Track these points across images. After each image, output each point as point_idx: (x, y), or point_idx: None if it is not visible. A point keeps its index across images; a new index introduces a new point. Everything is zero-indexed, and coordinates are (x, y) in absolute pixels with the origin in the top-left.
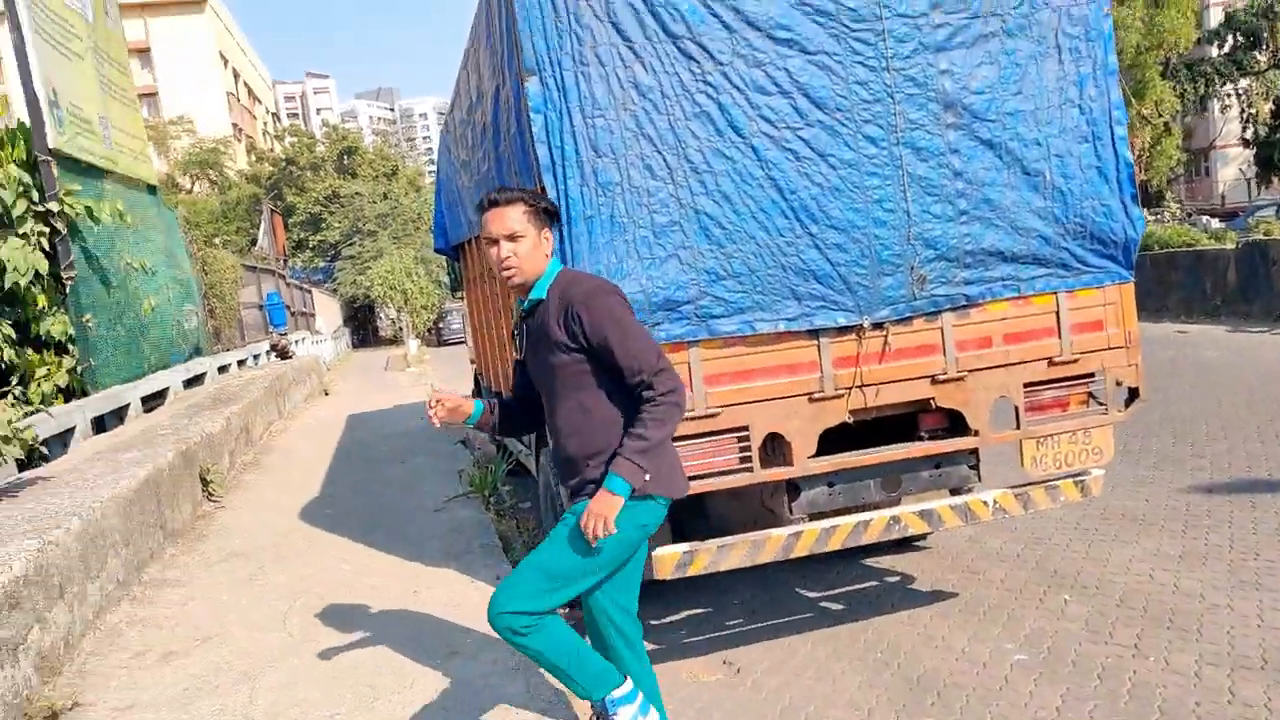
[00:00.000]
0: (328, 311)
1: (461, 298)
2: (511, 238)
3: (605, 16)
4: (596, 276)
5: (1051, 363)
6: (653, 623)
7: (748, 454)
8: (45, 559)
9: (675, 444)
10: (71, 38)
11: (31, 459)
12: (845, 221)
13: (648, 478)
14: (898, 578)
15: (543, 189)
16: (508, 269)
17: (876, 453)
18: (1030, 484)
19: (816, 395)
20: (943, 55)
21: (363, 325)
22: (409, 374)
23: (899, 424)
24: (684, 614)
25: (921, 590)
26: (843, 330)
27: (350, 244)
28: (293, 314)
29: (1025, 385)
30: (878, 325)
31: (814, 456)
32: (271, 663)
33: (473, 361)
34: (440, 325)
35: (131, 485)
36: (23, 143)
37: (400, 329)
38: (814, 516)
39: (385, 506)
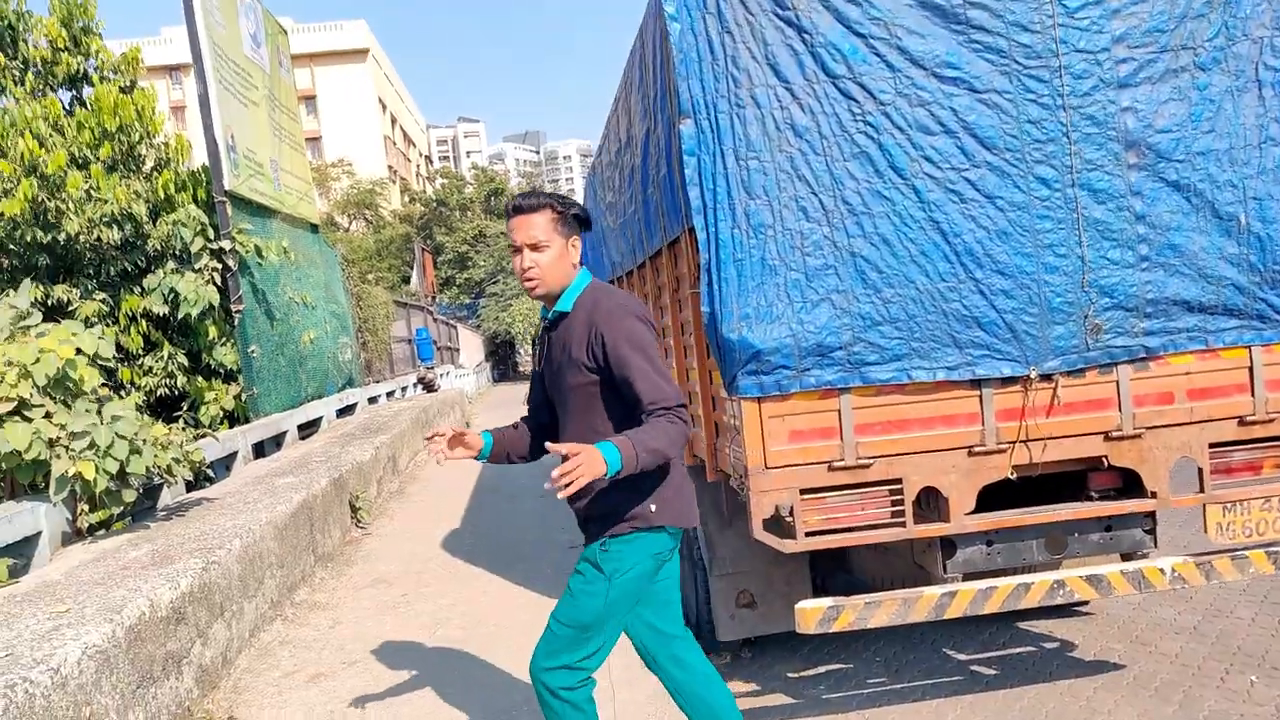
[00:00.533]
0: (471, 346)
1: None
2: (535, 246)
3: (763, 59)
4: (626, 294)
5: (1242, 422)
6: (789, 675)
7: (900, 508)
8: (209, 578)
9: (823, 494)
10: (250, 87)
11: (198, 480)
12: (1013, 266)
13: (629, 470)
14: (1056, 644)
15: (692, 231)
16: (530, 279)
17: (1041, 512)
18: (1214, 552)
19: (977, 449)
20: (1125, 92)
21: (503, 360)
22: None
23: (1066, 482)
24: (822, 669)
25: (1083, 659)
26: (1007, 381)
27: (494, 282)
28: (439, 348)
29: (1211, 445)
30: (1046, 376)
31: (972, 513)
32: (415, 690)
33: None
34: None
35: (287, 510)
36: (202, 184)
37: None
38: (969, 576)
39: (524, 541)
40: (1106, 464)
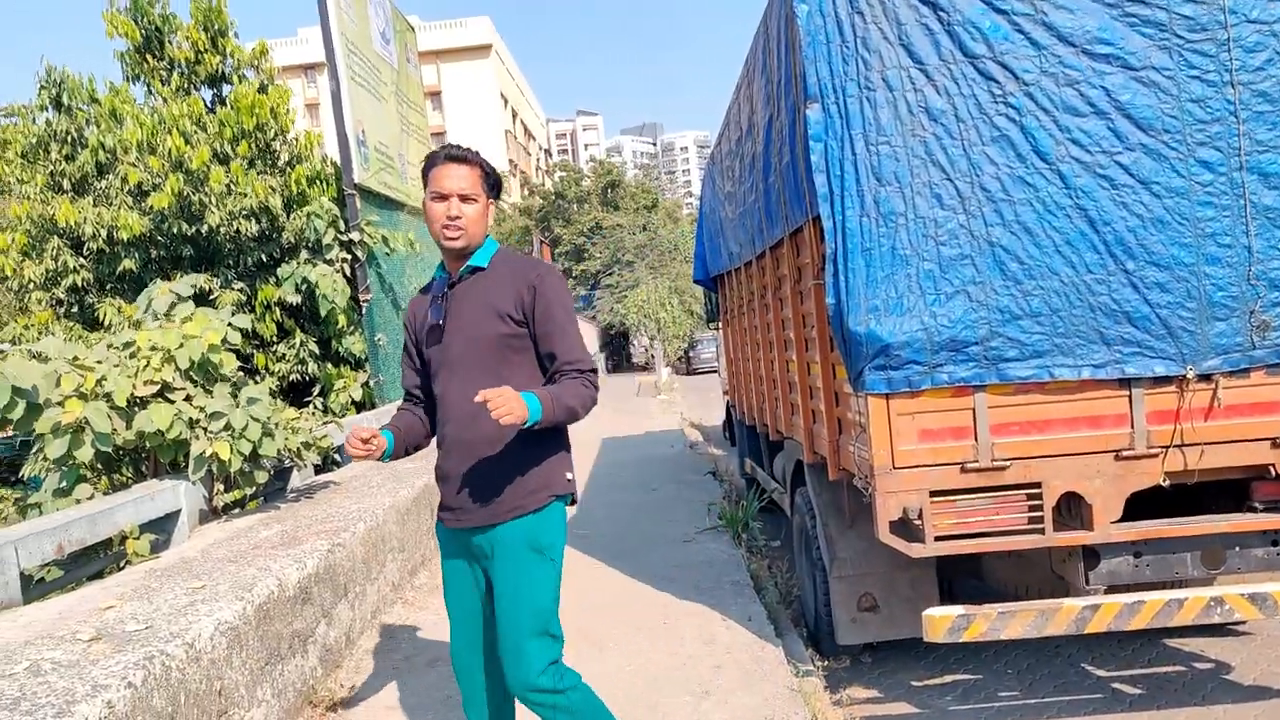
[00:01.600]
0: (586, 337)
1: (716, 328)
2: (465, 198)
3: (896, 40)
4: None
5: None
6: (913, 684)
7: (1039, 514)
8: (334, 559)
9: (955, 496)
10: (380, 83)
11: (326, 463)
12: (1169, 257)
13: (547, 422)
14: (1210, 665)
15: (817, 220)
16: (457, 228)
17: (1198, 522)
18: None
19: (1125, 453)
20: None
21: (617, 351)
22: (659, 401)
23: (1226, 491)
24: (949, 679)
25: (1241, 683)
26: (1160, 381)
27: (610, 273)
28: None
29: None
30: (1205, 377)
31: (1118, 522)
32: None
33: (726, 393)
34: (691, 354)
35: (410, 495)
36: (333, 178)
37: (652, 356)
38: (1113, 589)
39: (635, 533)
40: (1275, 473)
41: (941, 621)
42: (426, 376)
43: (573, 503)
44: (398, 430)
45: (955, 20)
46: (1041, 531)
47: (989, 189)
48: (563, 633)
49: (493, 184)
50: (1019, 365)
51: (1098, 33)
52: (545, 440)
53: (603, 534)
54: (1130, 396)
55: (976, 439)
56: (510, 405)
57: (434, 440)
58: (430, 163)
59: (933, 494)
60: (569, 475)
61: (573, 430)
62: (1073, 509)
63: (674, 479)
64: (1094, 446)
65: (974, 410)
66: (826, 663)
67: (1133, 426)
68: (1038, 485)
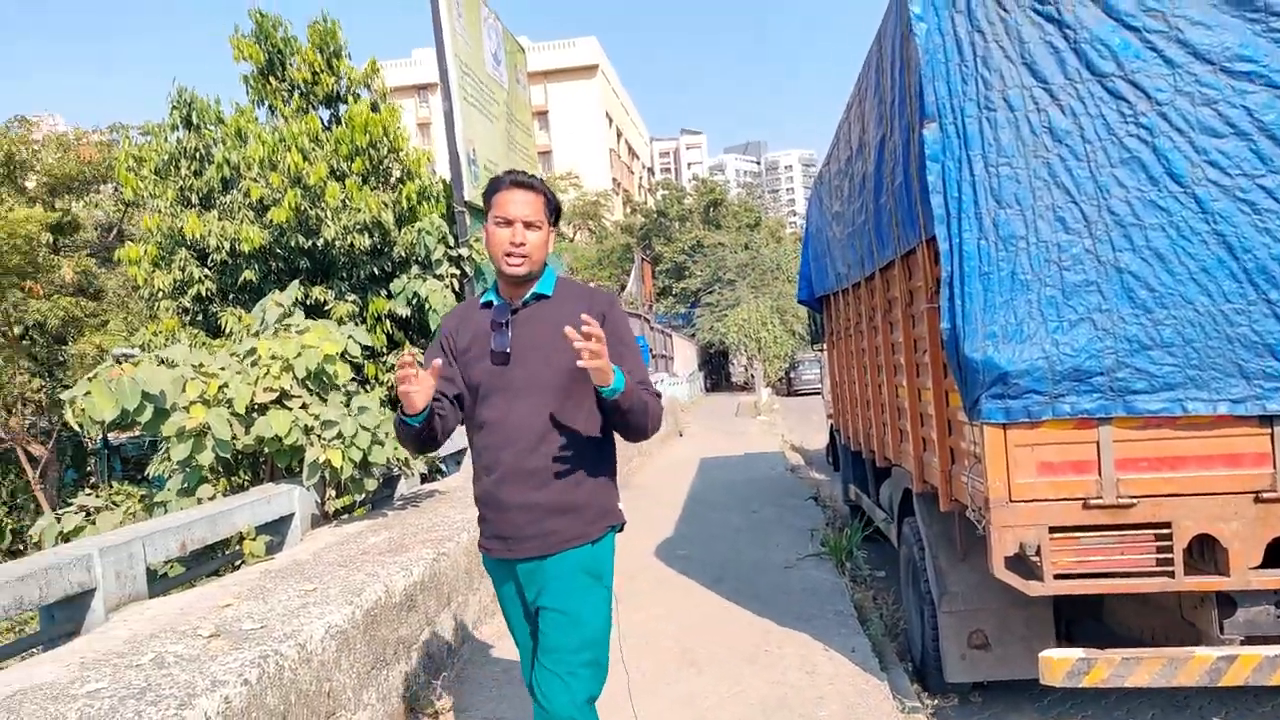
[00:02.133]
0: (684, 355)
1: (820, 349)
2: (530, 225)
3: (1018, 58)
4: None
5: None
6: None
7: (1168, 555)
8: (439, 568)
9: (1076, 534)
10: (491, 102)
11: (431, 473)
12: None
13: (625, 398)
14: None
15: (932, 241)
16: (521, 255)
17: None
18: None
19: (1266, 494)
20: None
21: (716, 370)
22: (759, 422)
23: None
24: None
25: None
26: None
27: (710, 292)
28: (654, 356)
29: None
30: None
31: (1258, 568)
32: (624, 700)
33: (830, 416)
34: (792, 375)
35: None
36: (443, 195)
37: (752, 376)
38: (1252, 639)
39: (735, 556)
40: None
41: (1060, 664)
42: (454, 397)
43: (619, 530)
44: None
45: (1082, 38)
46: (1171, 574)
47: (1117, 213)
48: (608, 667)
49: (554, 211)
50: (1148, 398)
51: (1238, 49)
52: (603, 467)
53: (702, 555)
54: (1273, 435)
55: (1100, 474)
56: (604, 352)
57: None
58: (494, 187)
59: (1052, 530)
60: (620, 504)
61: (671, 448)
62: (1205, 552)
63: (775, 502)
64: (1231, 487)
65: (1098, 444)
66: (934, 700)
67: (1275, 467)
68: (1167, 525)
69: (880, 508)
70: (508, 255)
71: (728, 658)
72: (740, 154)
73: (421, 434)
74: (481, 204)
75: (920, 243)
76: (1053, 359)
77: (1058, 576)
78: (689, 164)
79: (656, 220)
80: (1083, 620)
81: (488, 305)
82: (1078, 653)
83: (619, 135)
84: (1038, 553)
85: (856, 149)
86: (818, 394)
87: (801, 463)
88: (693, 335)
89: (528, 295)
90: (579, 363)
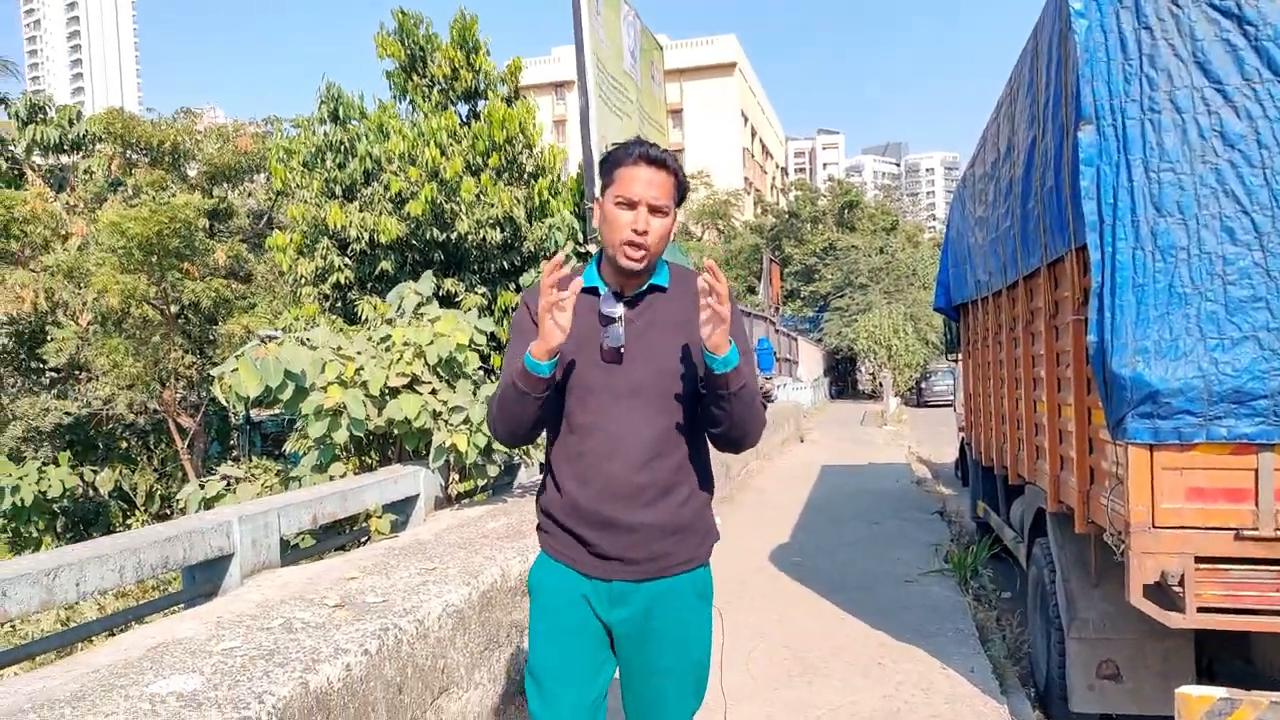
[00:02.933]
0: (810, 360)
1: (955, 360)
2: (657, 210)
3: (1189, 57)
4: None
5: None
6: None
7: None
8: None
9: (1225, 565)
10: (625, 100)
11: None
12: None
13: (739, 379)
14: None
15: (1082, 249)
16: (644, 246)
17: None
18: None
19: None
20: None
21: (842, 377)
22: (885, 431)
23: None
24: None
25: None
26: None
27: (841, 296)
28: (778, 360)
29: None
30: None
31: None
32: (735, 702)
33: (961, 429)
34: (923, 385)
35: None
36: (574, 191)
37: (880, 385)
38: None
39: (853, 567)
40: None
41: (1199, 703)
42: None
43: None
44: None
45: (1264, 35)
46: None
47: None
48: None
49: (682, 193)
50: None
51: None
52: (708, 484)
53: (819, 565)
54: None
55: (1258, 503)
56: (726, 314)
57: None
58: (616, 160)
59: (1198, 560)
60: (719, 523)
61: (792, 454)
62: None
63: (898, 515)
64: None
65: (1256, 471)
66: None
67: None
68: None
69: (1010, 526)
70: (627, 245)
71: (840, 668)
72: (879, 155)
73: (541, 396)
74: None
75: (1069, 251)
76: (1210, 379)
77: (1201, 610)
78: (824, 164)
79: (788, 221)
80: (1226, 658)
81: (589, 291)
82: (1220, 692)
83: (754, 134)
84: (1180, 583)
85: (1005, 151)
86: (949, 406)
87: (928, 476)
88: (819, 340)
89: (642, 286)
90: (703, 318)
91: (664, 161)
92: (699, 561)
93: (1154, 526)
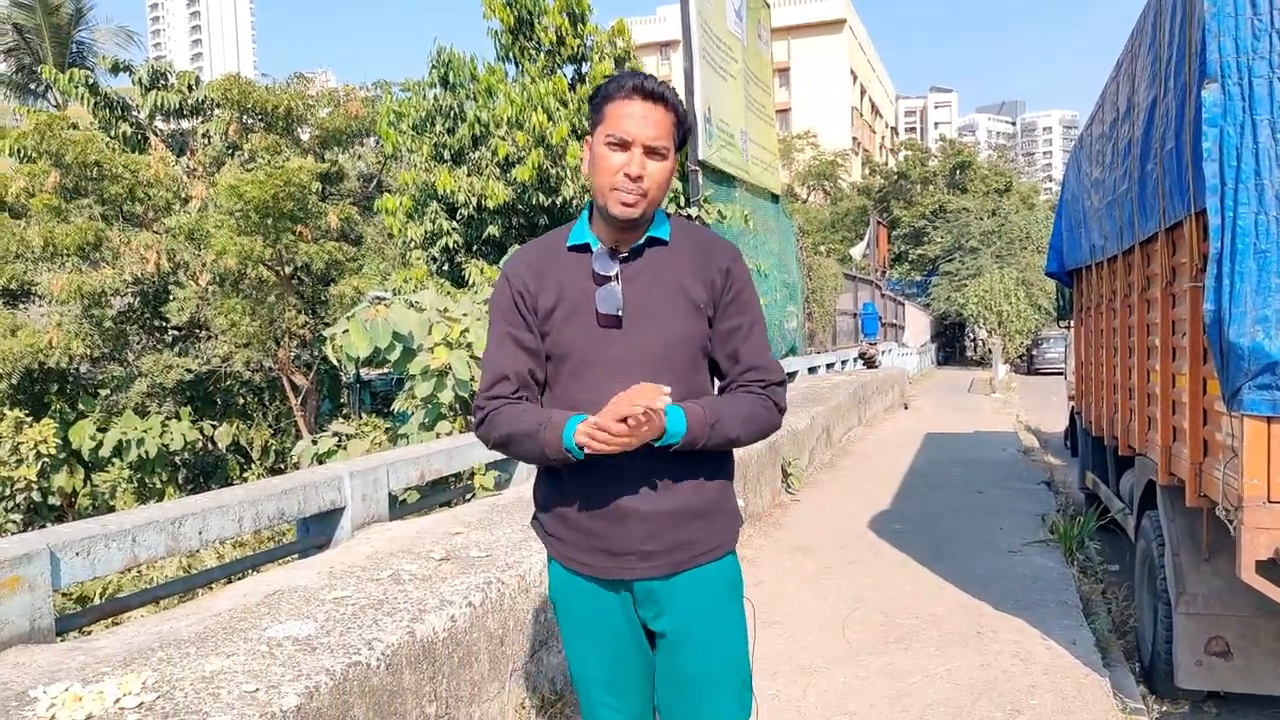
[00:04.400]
0: (917, 325)
1: (1067, 326)
2: (654, 152)
3: None
4: None
5: None
6: None
7: None
8: None
9: None
10: (729, 60)
11: None
12: None
13: (684, 446)
14: None
15: (1202, 214)
16: (635, 194)
17: None
18: None
19: None
20: None
21: (950, 343)
22: (993, 399)
23: None
24: None
25: None
26: None
27: (950, 260)
28: (883, 325)
29: None
30: None
31: None
32: (828, 665)
33: (1071, 398)
34: (1034, 352)
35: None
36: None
37: (989, 351)
38: None
39: (954, 535)
40: None
41: None
42: (541, 366)
43: None
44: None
45: None
46: None
47: None
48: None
49: (684, 134)
50: None
51: None
52: (727, 458)
53: (920, 532)
54: None
55: None
56: (645, 435)
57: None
58: (607, 94)
59: None
60: (742, 505)
61: (896, 420)
62: None
63: (1002, 484)
64: None
65: None
66: (1161, 705)
67: None
68: None
69: (1119, 498)
70: (617, 190)
71: (937, 636)
72: (994, 114)
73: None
74: (713, 163)
75: (1189, 215)
76: None
77: None
78: (936, 124)
79: (896, 182)
80: None
81: (579, 249)
82: None
83: (863, 93)
84: None
85: (1124, 110)
86: (1060, 374)
87: (1036, 445)
88: (927, 305)
89: (639, 240)
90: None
91: (662, 95)
92: (727, 548)
93: (1269, 501)
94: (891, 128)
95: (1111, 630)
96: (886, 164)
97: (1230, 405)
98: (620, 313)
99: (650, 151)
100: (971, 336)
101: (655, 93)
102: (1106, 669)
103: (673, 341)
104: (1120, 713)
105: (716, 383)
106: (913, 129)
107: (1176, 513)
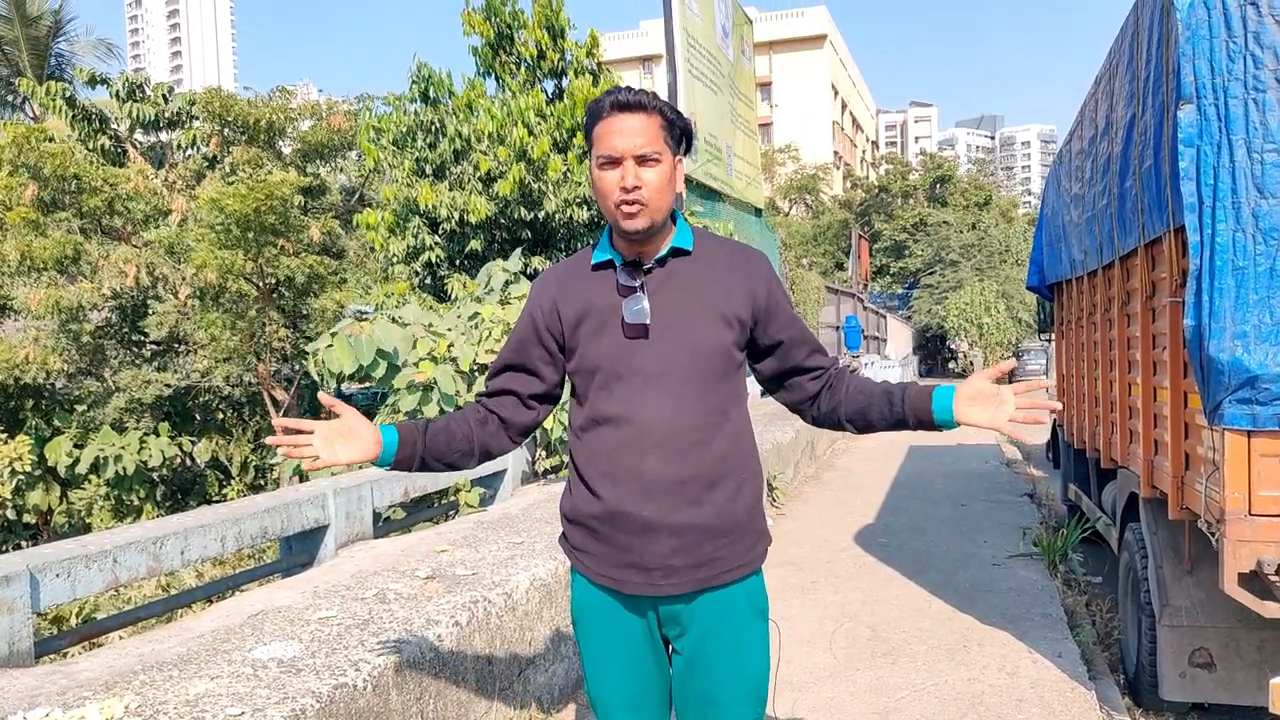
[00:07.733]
0: (898, 338)
1: (1048, 340)
2: (644, 160)
3: None
4: None
5: None
6: None
7: None
8: None
9: None
10: (716, 75)
11: None
12: None
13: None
14: None
15: (1181, 230)
16: (636, 203)
17: None
18: None
19: None
20: None
21: (931, 355)
22: None
23: None
24: None
25: None
26: None
27: (931, 273)
28: (866, 337)
29: None
30: None
31: None
32: (815, 681)
33: (1052, 411)
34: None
35: None
36: None
37: (970, 363)
38: None
39: (939, 549)
40: None
41: None
42: (534, 396)
43: None
44: (415, 436)
45: None
46: None
47: None
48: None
49: (680, 135)
50: None
51: None
52: (757, 474)
53: (905, 545)
54: None
55: None
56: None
57: (475, 464)
58: (593, 116)
59: None
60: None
61: (877, 434)
62: None
63: (986, 497)
64: None
65: None
66: (1145, 717)
67: None
68: None
69: (1101, 510)
70: (620, 206)
71: (924, 650)
72: (973, 128)
73: (418, 465)
74: (699, 178)
75: (1167, 232)
76: None
77: None
78: (916, 138)
79: (877, 196)
80: None
81: (604, 266)
82: None
83: (844, 107)
84: (1277, 572)
85: (1103, 127)
86: None
87: (1019, 457)
88: (909, 318)
89: (663, 251)
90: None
91: (640, 104)
92: (752, 568)
93: (1250, 514)
94: (872, 142)
95: (1096, 642)
96: (867, 178)
97: (1211, 419)
98: (648, 322)
99: (641, 160)
100: (953, 349)
101: (631, 102)
102: (1092, 681)
103: (699, 351)
104: None
105: (789, 386)
106: (893, 143)
107: (1159, 525)
